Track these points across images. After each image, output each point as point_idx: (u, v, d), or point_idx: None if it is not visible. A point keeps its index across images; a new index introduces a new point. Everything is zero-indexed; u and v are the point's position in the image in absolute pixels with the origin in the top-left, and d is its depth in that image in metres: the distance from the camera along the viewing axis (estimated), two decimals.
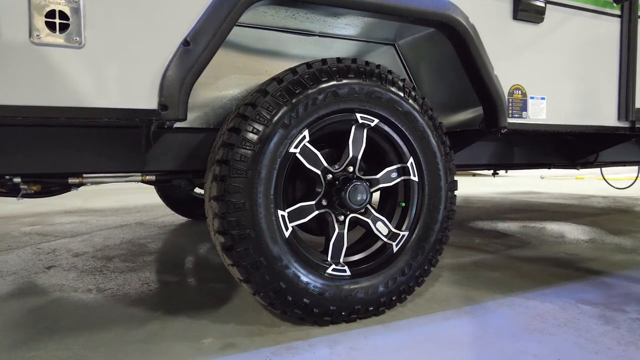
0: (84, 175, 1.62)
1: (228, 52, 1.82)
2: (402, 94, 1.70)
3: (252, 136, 1.47)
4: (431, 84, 2.11)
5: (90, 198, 5.85)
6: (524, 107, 1.97)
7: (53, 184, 1.64)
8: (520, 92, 1.96)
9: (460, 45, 1.79)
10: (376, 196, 1.99)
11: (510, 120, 1.93)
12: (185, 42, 1.33)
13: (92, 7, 1.23)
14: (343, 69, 1.60)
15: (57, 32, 1.19)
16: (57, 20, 1.19)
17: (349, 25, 1.81)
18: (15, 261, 2.58)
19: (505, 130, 1.91)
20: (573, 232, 3.42)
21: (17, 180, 1.54)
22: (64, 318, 1.75)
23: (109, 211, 4.60)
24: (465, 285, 2.12)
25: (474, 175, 9.35)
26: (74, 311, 1.82)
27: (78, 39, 1.21)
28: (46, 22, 1.18)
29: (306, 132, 1.58)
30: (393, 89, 1.68)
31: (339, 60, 1.62)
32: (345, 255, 1.76)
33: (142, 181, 1.73)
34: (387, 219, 1.79)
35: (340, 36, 1.97)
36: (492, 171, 4.12)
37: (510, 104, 1.94)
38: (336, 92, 1.58)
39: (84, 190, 6.63)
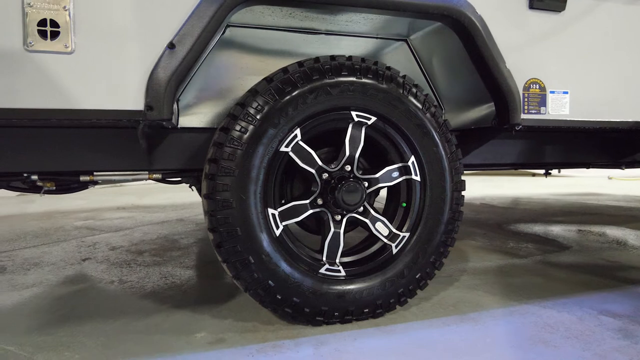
0: (95, 173, 1.72)
1: (233, 52, 1.85)
2: (401, 91, 1.65)
3: (240, 135, 1.49)
4: (445, 79, 2.02)
5: (146, 195, 6.19)
6: (542, 102, 1.84)
7: (67, 181, 1.75)
8: (537, 86, 1.82)
9: (466, 38, 1.70)
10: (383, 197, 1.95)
11: (525, 117, 1.81)
12: (171, 45, 1.37)
13: (81, 15, 1.30)
14: (336, 67, 1.58)
15: (49, 40, 1.28)
16: (49, 29, 1.28)
17: (351, 22, 1.78)
18: (58, 253, 2.80)
19: (520, 127, 1.80)
20: (624, 237, 3.14)
21: (34, 177, 1.67)
22: (81, 307, 1.87)
23: (156, 208, 4.85)
24: (481, 290, 2.01)
25: (533, 175, 8.84)
26: (92, 301, 1.94)
27: (68, 45, 1.30)
28: (38, 31, 1.27)
29: (298, 131, 1.57)
30: (391, 85, 1.64)
31: (332, 57, 1.59)
32: (345, 256, 1.74)
33: (150, 179, 1.80)
34: (389, 220, 1.75)
35: (348, 33, 1.94)
36: (543, 171, 3.88)
37: (526, 99, 1.81)
38: (328, 91, 1.56)
39: (140, 188, 7.05)
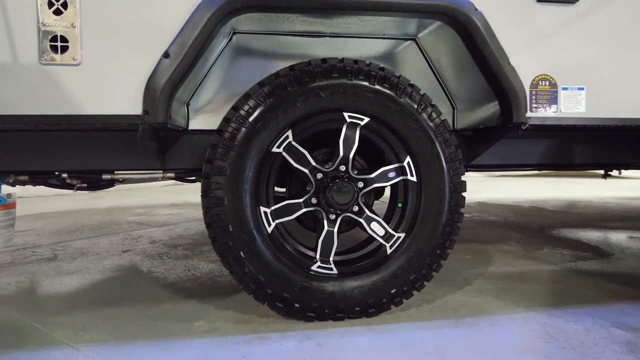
0: (115, 172, 1.89)
1: (241, 57, 1.95)
2: (394, 91, 1.65)
3: (232, 136, 1.57)
4: (453, 77, 1.98)
5: None
6: (553, 100, 1.75)
7: (94, 179, 1.94)
8: (547, 83, 1.74)
9: (465, 36, 1.67)
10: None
11: (532, 115, 1.73)
12: (166, 54, 1.49)
13: (87, 30, 1.45)
14: (327, 69, 1.62)
15: (59, 53, 1.44)
16: (59, 44, 1.44)
17: (349, 24, 1.80)
18: (104, 244, 3.07)
19: (527, 126, 1.72)
20: None
21: (64, 175, 1.87)
22: (106, 293, 2.05)
23: None
24: (490, 295, 1.95)
25: (607, 176, 8.16)
26: (118, 288, 2.13)
27: (76, 57, 1.45)
28: (50, 46, 1.43)
29: (289, 132, 1.63)
30: (383, 86, 1.64)
31: (324, 60, 1.63)
32: (341, 254, 1.77)
33: (163, 178, 1.95)
34: (387, 220, 1.75)
35: (352, 35, 1.97)
36: (603, 172, 3.62)
37: (534, 97, 1.73)
38: (318, 93, 1.60)
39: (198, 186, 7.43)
